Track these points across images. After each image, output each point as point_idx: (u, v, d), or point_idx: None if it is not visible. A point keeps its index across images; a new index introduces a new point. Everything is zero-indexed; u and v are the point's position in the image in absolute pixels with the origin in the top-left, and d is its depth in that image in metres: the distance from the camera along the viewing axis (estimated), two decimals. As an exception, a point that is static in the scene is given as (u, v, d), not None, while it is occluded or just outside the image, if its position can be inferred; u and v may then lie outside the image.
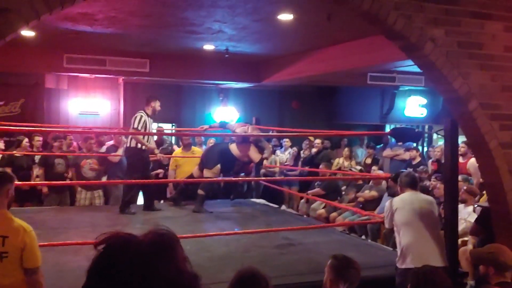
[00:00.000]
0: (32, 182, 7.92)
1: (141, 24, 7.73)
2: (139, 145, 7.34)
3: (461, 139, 6.33)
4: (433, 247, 4.50)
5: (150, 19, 7.40)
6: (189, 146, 9.13)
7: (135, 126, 7.31)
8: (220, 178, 7.90)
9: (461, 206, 6.04)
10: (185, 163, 8.83)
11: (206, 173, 7.80)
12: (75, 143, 9.85)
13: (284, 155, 11.14)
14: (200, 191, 7.73)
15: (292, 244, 5.99)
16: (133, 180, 7.16)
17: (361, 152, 12.33)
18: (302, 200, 9.92)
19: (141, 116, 7.34)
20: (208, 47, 9.56)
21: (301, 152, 11.41)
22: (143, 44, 9.59)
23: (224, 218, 7.56)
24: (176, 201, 8.16)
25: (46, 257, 3.63)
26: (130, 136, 7.48)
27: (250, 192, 9.81)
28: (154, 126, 7.96)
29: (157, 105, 7.52)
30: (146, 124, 7.33)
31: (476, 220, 5.43)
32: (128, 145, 7.48)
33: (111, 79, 11.74)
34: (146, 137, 7.41)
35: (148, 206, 7.64)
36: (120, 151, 8.64)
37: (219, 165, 7.75)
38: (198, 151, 9.11)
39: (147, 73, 10.81)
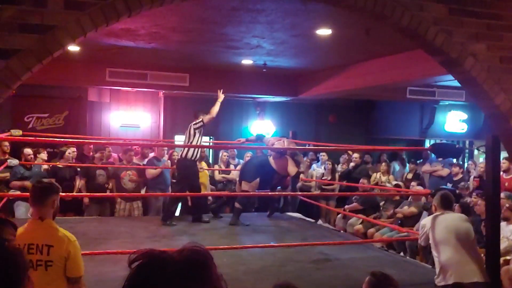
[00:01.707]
0: (74, 194, 8.13)
1: (181, 40, 7.87)
2: (192, 157, 7.53)
3: (503, 154, 6.18)
4: (472, 263, 4.46)
5: (191, 35, 7.53)
6: (201, 159, 9.26)
7: (192, 135, 7.53)
8: (257, 193, 7.90)
9: (503, 224, 5.89)
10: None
11: (244, 185, 7.84)
12: (115, 155, 10.07)
13: (320, 169, 11.08)
14: (237, 204, 7.79)
15: (328, 260, 5.95)
16: (171, 193, 7.32)
17: (397, 168, 12.17)
18: (339, 215, 9.82)
19: (199, 128, 7.58)
20: (247, 61, 9.65)
21: (339, 166, 11.34)
22: (183, 59, 9.75)
23: (260, 231, 7.57)
24: (216, 213, 8.28)
25: (87, 266, 3.71)
26: (183, 148, 7.69)
27: (286, 206, 9.78)
28: (204, 139, 8.16)
29: (205, 118, 7.69)
30: (201, 131, 7.64)
31: None
32: (181, 156, 7.67)
33: (152, 93, 11.98)
34: (194, 149, 7.60)
35: (197, 218, 7.78)
36: (161, 164, 8.84)
37: (258, 179, 7.76)
38: (204, 165, 9.27)
39: (187, 87, 10.98)
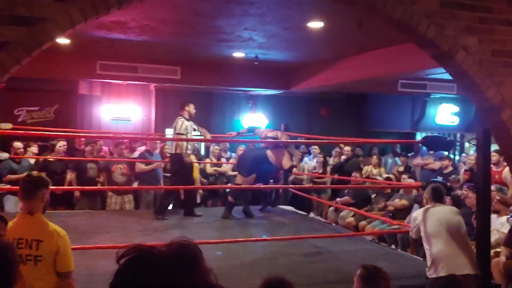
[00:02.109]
0: (65, 187, 8.08)
1: (172, 32, 7.82)
2: (184, 151, 7.50)
3: (494, 147, 6.21)
4: (463, 255, 4.51)
5: (182, 27, 7.48)
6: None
7: (177, 131, 7.47)
8: (249, 186, 7.73)
9: (493, 217, 5.91)
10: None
11: (239, 179, 7.81)
12: (106, 148, 10.02)
13: (312, 162, 11.09)
14: (229, 198, 7.76)
15: (320, 253, 5.96)
16: (163, 186, 7.30)
17: (389, 160, 12.22)
18: (331, 208, 9.85)
19: (182, 122, 7.51)
20: (238, 54, 9.62)
21: (330, 159, 11.36)
22: (175, 52, 9.70)
23: (252, 225, 7.57)
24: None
25: (77, 260, 3.70)
26: (174, 143, 7.64)
27: (278, 199, 9.79)
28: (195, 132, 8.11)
29: (191, 108, 7.71)
30: (187, 128, 7.50)
31: (510, 230, 5.29)
32: (173, 151, 7.64)
33: (143, 86, 11.92)
34: (187, 143, 7.57)
35: (189, 211, 7.76)
36: (153, 158, 8.81)
37: (254, 175, 7.64)
38: (193, 158, 9.14)
39: (178, 80, 10.92)
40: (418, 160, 10.70)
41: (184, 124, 7.53)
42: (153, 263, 1.18)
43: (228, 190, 9.83)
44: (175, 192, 8.03)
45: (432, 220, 4.63)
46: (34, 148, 8.79)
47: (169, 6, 6.39)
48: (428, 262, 4.59)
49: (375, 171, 10.38)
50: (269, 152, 7.78)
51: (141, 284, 1.15)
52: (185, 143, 7.56)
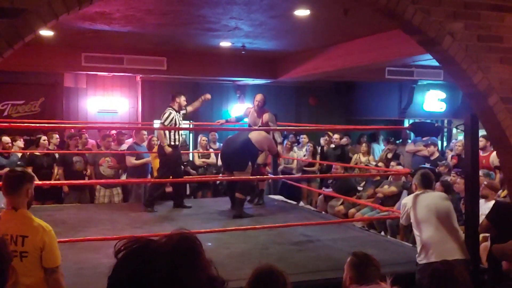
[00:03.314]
0: (52, 182, 8.00)
1: (158, 23, 7.74)
2: (172, 142, 7.45)
3: (481, 133, 6.24)
4: (453, 241, 4.56)
5: (167, 17, 7.41)
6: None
7: (163, 122, 7.41)
8: (246, 178, 7.22)
9: (482, 201, 5.96)
10: None
11: (239, 175, 7.23)
12: (93, 141, 9.95)
13: (301, 152, 11.10)
14: (238, 194, 7.27)
15: (310, 241, 5.98)
16: (152, 179, 7.24)
17: (378, 148, 12.25)
18: (320, 197, 9.88)
19: (170, 113, 7.48)
20: (225, 44, 9.55)
21: (320, 147, 11.38)
22: (160, 42, 9.62)
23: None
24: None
25: (67, 254, 3.67)
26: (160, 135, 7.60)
27: (268, 188, 9.78)
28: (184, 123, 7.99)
29: (182, 100, 7.65)
30: (174, 120, 7.45)
31: (487, 216, 5.15)
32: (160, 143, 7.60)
33: (129, 77, 11.82)
34: (175, 133, 7.49)
35: (179, 203, 7.72)
36: (142, 149, 8.75)
37: (249, 163, 7.30)
38: None
39: (164, 71, 10.83)
40: (410, 146, 10.72)
41: (171, 115, 7.48)
42: (153, 256, 1.15)
43: (221, 182, 9.77)
44: (164, 185, 7.99)
45: (422, 206, 4.67)
46: (20, 142, 8.71)
47: (153, -4, 6.32)
48: (418, 248, 4.62)
49: (363, 158, 10.41)
50: (252, 135, 7.39)
51: (140, 277, 1.13)
52: (168, 134, 7.49)
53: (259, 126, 7.61)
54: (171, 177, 7.55)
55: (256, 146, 7.43)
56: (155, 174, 8.30)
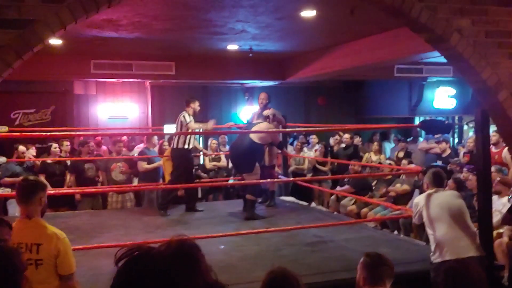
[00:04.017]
0: (65, 190, 8.05)
1: (165, 28, 7.78)
2: (185, 146, 7.46)
3: (493, 128, 6.20)
4: (467, 238, 4.54)
5: (174, 23, 7.45)
6: None
7: (188, 122, 7.38)
8: (256, 181, 7.17)
9: (495, 198, 5.92)
10: None
11: (248, 178, 7.24)
12: (105, 147, 10.01)
13: (311, 152, 11.09)
14: (249, 196, 7.25)
15: (323, 242, 5.96)
16: (163, 184, 7.24)
17: (389, 146, 12.21)
18: (332, 197, 9.85)
19: (188, 115, 7.45)
20: (232, 47, 9.58)
21: (330, 148, 11.36)
22: (168, 47, 9.66)
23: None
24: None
25: (81, 261, 3.70)
26: (176, 138, 7.61)
27: (279, 190, 9.78)
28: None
29: (196, 105, 7.65)
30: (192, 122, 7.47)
31: (510, 209, 5.28)
32: (175, 146, 7.60)
33: (138, 83, 11.89)
34: (188, 138, 7.50)
35: (191, 207, 7.74)
36: (153, 153, 8.78)
37: (257, 164, 7.25)
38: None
39: (173, 75, 10.88)
40: (423, 144, 10.65)
41: (190, 116, 7.49)
42: (152, 264, 1.18)
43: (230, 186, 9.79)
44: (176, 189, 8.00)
45: (434, 205, 4.64)
46: (32, 151, 8.79)
47: (159, 2, 6.34)
48: (432, 247, 4.60)
49: (375, 157, 10.37)
50: (253, 135, 7.20)
51: (140, 285, 1.16)
52: (187, 138, 7.51)
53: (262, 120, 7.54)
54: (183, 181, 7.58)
55: (260, 142, 7.26)
56: (167, 178, 8.32)
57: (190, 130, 7.50)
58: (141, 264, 1.18)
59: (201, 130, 7.95)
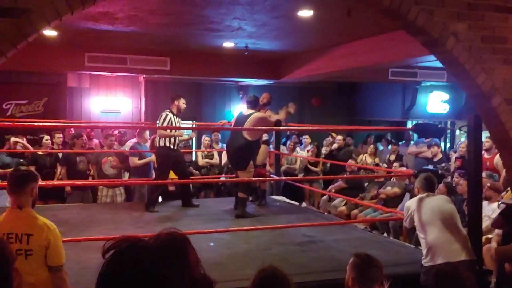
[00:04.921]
0: (55, 182, 8.02)
1: (161, 23, 7.75)
2: (167, 144, 7.43)
3: (485, 134, 6.22)
4: (458, 242, 4.59)
5: (170, 18, 7.42)
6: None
7: (160, 125, 7.40)
8: (248, 179, 7.21)
9: (485, 203, 5.95)
10: None
11: (242, 175, 7.26)
12: (96, 141, 9.96)
13: (304, 152, 11.10)
14: (240, 194, 7.26)
15: (313, 242, 5.97)
16: (154, 180, 7.20)
17: (381, 147, 12.24)
18: (323, 197, 9.87)
19: (167, 115, 7.45)
20: (228, 44, 9.56)
21: (323, 148, 11.37)
22: (164, 43, 9.63)
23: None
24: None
25: (70, 254, 3.67)
26: (158, 136, 7.58)
27: (270, 189, 9.78)
28: (188, 123, 7.87)
29: (181, 102, 7.61)
30: (171, 122, 7.43)
31: (501, 213, 5.26)
32: (157, 144, 7.58)
33: (132, 77, 11.83)
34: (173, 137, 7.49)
35: (187, 202, 7.74)
36: (145, 148, 8.74)
37: (251, 162, 7.25)
38: None
39: (167, 71, 10.84)
40: (412, 148, 10.70)
41: (168, 117, 7.43)
42: (139, 256, 1.17)
43: (223, 183, 9.81)
44: (163, 186, 7.98)
45: (426, 209, 4.68)
46: (24, 141, 8.72)
47: (157, -4, 6.32)
48: (424, 251, 4.63)
49: (369, 160, 10.39)
50: (244, 132, 7.16)
51: (126, 277, 1.15)
52: (172, 138, 7.48)
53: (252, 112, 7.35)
54: (176, 177, 7.58)
55: (251, 138, 7.15)
56: None
57: (163, 132, 7.46)
58: (128, 256, 1.17)
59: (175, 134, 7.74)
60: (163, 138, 7.48)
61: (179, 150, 7.82)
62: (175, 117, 7.52)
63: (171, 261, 1.17)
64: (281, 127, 8.34)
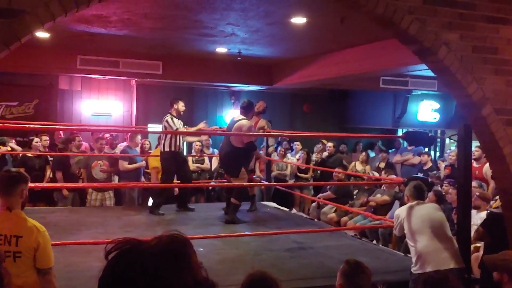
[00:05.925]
0: (44, 184, 7.96)
1: (154, 27, 7.75)
2: (173, 149, 7.41)
3: (475, 143, 6.27)
4: (447, 250, 4.61)
5: (163, 22, 7.42)
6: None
7: (175, 128, 7.36)
8: (239, 184, 7.14)
9: (473, 212, 5.98)
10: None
11: (236, 181, 7.18)
12: (86, 144, 9.91)
13: (294, 159, 11.11)
14: (233, 200, 7.22)
15: (302, 248, 5.97)
16: (145, 183, 7.18)
17: (372, 155, 12.29)
18: (313, 204, 9.88)
19: (172, 119, 7.42)
20: (221, 49, 9.57)
21: (313, 155, 11.39)
22: (156, 46, 9.63)
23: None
24: None
25: (58, 257, 3.65)
26: (163, 140, 7.59)
27: (260, 195, 9.78)
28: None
29: (180, 105, 7.59)
30: (180, 126, 7.46)
31: (482, 224, 5.30)
32: (162, 149, 7.57)
33: (124, 81, 11.80)
34: (176, 139, 7.45)
35: (182, 205, 7.77)
36: (135, 152, 8.72)
37: (243, 168, 7.16)
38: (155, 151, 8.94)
39: (160, 75, 10.84)
40: (397, 157, 10.75)
41: (175, 121, 7.43)
42: (142, 258, 1.16)
43: (213, 188, 9.81)
44: (168, 189, 7.95)
45: (416, 217, 4.70)
46: (12, 144, 8.66)
47: (150, 0, 6.32)
48: (413, 259, 4.65)
49: (360, 167, 10.41)
50: (232, 138, 7.18)
51: (128, 279, 1.14)
52: (173, 141, 7.45)
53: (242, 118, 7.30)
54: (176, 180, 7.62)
55: (236, 145, 7.13)
56: (152, 174, 8.52)
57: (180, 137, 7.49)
58: (130, 258, 1.17)
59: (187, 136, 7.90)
60: (168, 143, 7.46)
61: (183, 153, 7.83)
62: (177, 120, 7.51)
63: (173, 263, 1.17)
64: (272, 133, 8.38)
